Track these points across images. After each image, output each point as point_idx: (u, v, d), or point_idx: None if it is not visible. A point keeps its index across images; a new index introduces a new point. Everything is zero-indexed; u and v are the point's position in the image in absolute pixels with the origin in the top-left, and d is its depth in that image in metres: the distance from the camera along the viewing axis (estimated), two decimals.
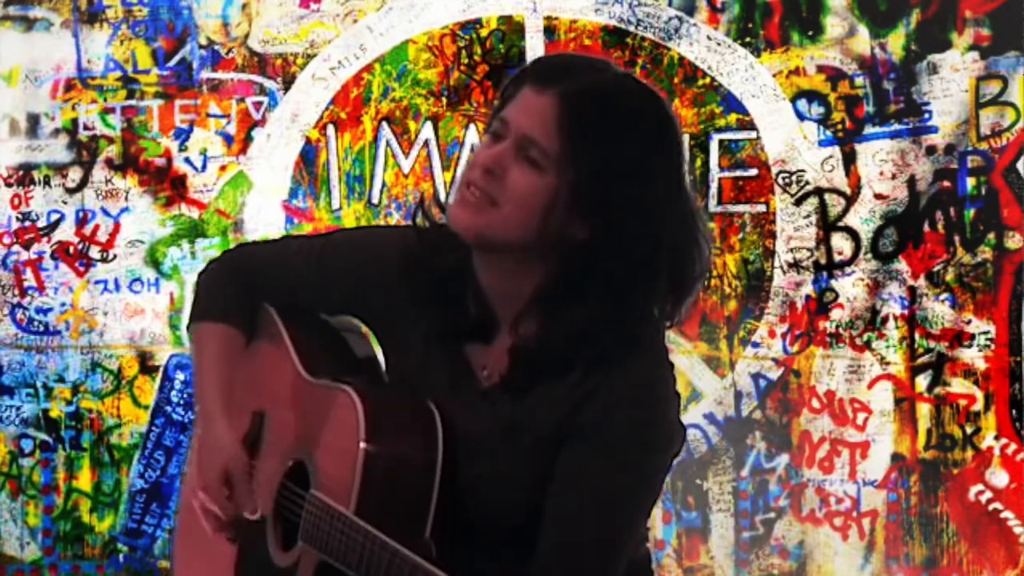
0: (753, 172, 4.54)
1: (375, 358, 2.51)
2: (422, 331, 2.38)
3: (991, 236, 4.44)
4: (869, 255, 4.49)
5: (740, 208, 4.53)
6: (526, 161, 2.25)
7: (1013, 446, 4.43)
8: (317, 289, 2.50)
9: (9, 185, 4.80)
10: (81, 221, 4.77)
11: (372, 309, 2.45)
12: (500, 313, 2.34)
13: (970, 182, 4.45)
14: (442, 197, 4.61)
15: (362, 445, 2.26)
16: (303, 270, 2.51)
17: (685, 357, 4.51)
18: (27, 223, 4.80)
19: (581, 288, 2.26)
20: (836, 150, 4.51)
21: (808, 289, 4.51)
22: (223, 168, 4.74)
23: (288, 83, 4.70)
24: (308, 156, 4.69)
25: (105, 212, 4.77)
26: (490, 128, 2.32)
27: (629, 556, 2.29)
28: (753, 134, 4.53)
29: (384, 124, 4.65)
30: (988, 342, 4.43)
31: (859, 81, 4.49)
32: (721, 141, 4.54)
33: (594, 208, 2.24)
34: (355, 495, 2.25)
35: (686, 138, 4.52)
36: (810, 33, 4.51)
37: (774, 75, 4.52)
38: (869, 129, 4.49)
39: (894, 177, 4.48)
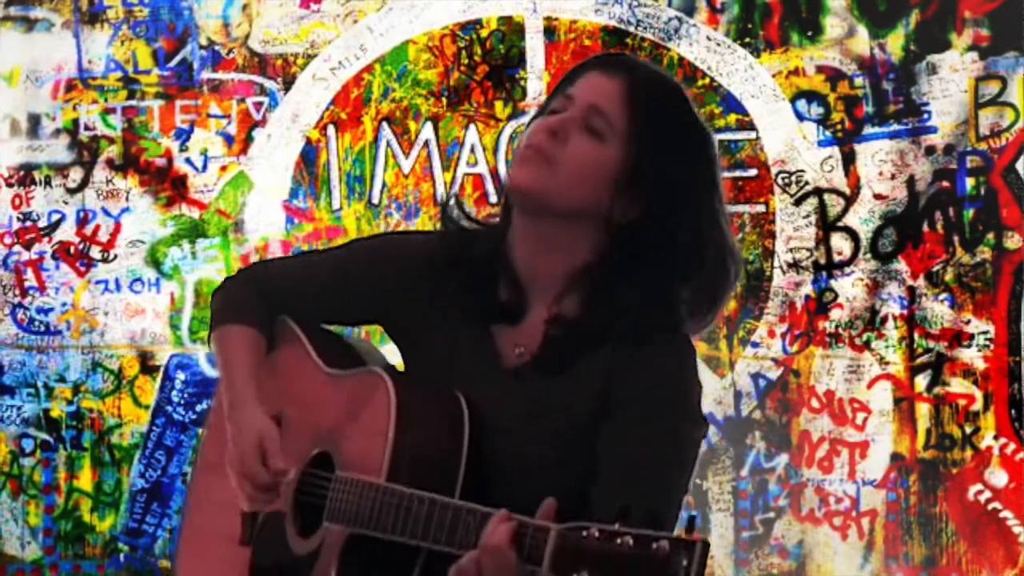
0: (753, 172, 4.54)
1: (386, 361, 2.53)
2: (449, 328, 2.39)
3: (990, 236, 4.44)
4: (868, 255, 4.50)
5: (740, 208, 4.54)
6: (589, 131, 2.30)
7: (1012, 446, 4.43)
8: (341, 296, 2.52)
9: (10, 185, 4.80)
10: (82, 221, 4.78)
11: (396, 313, 2.46)
12: (533, 291, 2.36)
13: (969, 182, 4.45)
14: (441, 198, 4.64)
15: (393, 420, 2.28)
16: (326, 279, 2.53)
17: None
18: (28, 223, 4.80)
19: (628, 268, 2.31)
20: (835, 150, 4.52)
21: (807, 289, 4.52)
22: (224, 168, 4.75)
23: (288, 83, 4.70)
24: (308, 156, 4.70)
25: (106, 212, 4.78)
26: (547, 108, 2.36)
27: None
28: (753, 134, 4.54)
29: (384, 124, 4.66)
30: (987, 342, 4.44)
31: (858, 81, 4.50)
32: (721, 141, 4.54)
33: (648, 188, 2.29)
34: (386, 468, 2.27)
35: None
36: (809, 33, 4.51)
37: (773, 75, 4.52)
38: (868, 129, 4.50)
39: (893, 177, 4.49)
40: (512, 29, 4.62)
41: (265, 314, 2.58)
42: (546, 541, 2.00)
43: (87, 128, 4.78)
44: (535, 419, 2.31)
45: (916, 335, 4.47)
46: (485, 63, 4.64)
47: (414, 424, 2.29)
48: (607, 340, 2.30)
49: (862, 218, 4.50)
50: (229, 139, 4.74)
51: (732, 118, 4.54)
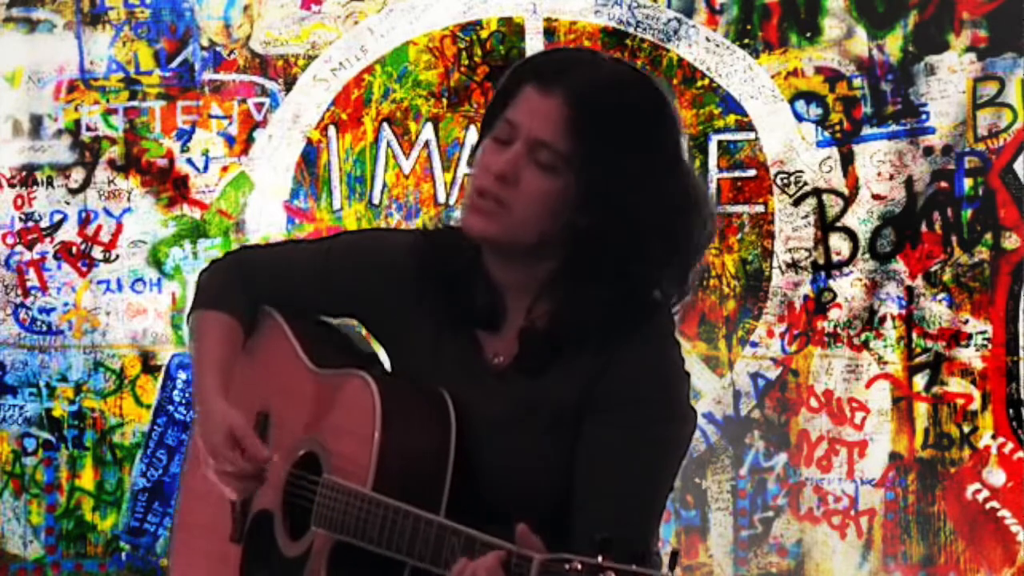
0: (751, 173, 4.55)
1: (377, 355, 2.53)
2: (431, 327, 2.39)
3: (988, 236, 4.45)
4: (867, 255, 4.51)
5: (739, 208, 4.55)
6: (538, 165, 2.26)
7: (1010, 445, 4.44)
8: (322, 289, 2.51)
9: (12, 186, 4.81)
10: (84, 221, 4.79)
11: (378, 309, 2.46)
12: (510, 303, 2.36)
13: (967, 183, 4.46)
14: (441, 199, 4.66)
15: (378, 424, 2.27)
16: (308, 270, 2.52)
17: (684, 356, 4.52)
18: (30, 223, 4.81)
19: (591, 268, 2.29)
20: (834, 151, 4.52)
21: (806, 289, 4.53)
22: (225, 169, 4.76)
23: (289, 84, 4.71)
24: (309, 157, 4.71)
25: (107, 212, 4.79)
26: (491, 129, 2.32)
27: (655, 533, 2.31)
28: (752, 135, 4.55)
29: (385, 125, 4.67)
30: (985, 342, 4.45)
31: (857, 82, 4.50)
32: (720, 142, 4.56)
33: (607, 198, 2.26)
34: (372, 474, 2.26)
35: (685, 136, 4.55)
36: (808, 34, 4.52)
37: (772, 76, 4.53)
38: (867, 130, 4.50)
39: (892, 178, 4.50)
40: (512, 30, 4.63)
41: (245, 301, 2.56)
42: (530, 571, 1.99)
43: (89, 129, 4.79)
44: (519, 418, 2.30)
45: (914, 335, 4.48)
46: (485, 64, 4.64)
47: (400, 428, 2.28)
48: (585, 341, 2.28)
49: (860, 218, 4.51)
50: (230, 140, 4.75)
51: (731, 119, 4.55)
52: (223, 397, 2.47)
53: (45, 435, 4.79)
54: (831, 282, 4.52)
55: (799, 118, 4.53)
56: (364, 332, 2.54)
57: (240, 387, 2.54)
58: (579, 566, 1.94)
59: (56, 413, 4.79)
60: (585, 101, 2.25)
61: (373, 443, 2.27)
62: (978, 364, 4.45)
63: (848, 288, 4.51)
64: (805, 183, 4.53)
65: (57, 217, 4.80)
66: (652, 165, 2.27)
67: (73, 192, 4.80)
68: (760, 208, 4.55)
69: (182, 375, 4.74)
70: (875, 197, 4.50)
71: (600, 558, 1.93)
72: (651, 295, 2.31)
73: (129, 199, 4.78)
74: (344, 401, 2.38)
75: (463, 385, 2.34)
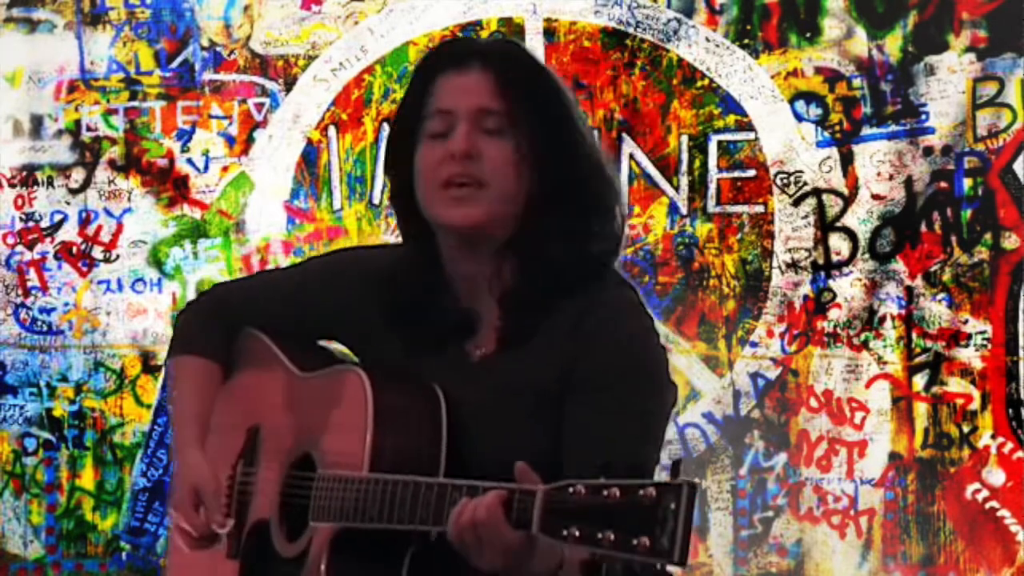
0: (751, 173, 4.56)
1: (358, 363, 2.55)
2: (407, 339, 2.42)
3: (988, 236, 4.45)
4: (867, 255, 4.51)
5: (738, 208, 4.55)
6: (488, 133, 2.33)
7: (1010, 445, 4.44)
8: (299, 313, 2.55)
9: (13, 186, 4.82)
10: (84, 221, 4.80)
11: (354, 328, 2.49)
12: (480, 304, 2.39)
13: (967, 183, 4.46)
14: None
15: (370, 411, 2.30)
16: (285, 295, 2.57)
17: (683, 356, 4.54)
18: (30, 223, 4.82)
19: (544, 228, 2.34)
20: (834, 151, 4.53)
21: (806, 289, 4.53)
22: (225, 169, 4.76)
23: (290, 84, 4.72)
24: (309, 157, 4.71)
25: (108, 212, 4.79)
26: (422, 130, 2.36)
27: None
28: (751, 135, 4.55)
29: (385, 125, 4.68)
30: (985, 342, 4.45)
31: (857, 82, 4.51)
32: (720, 142, 4.56)
33: (546, 155, 2.33)
34: (367, 457, 2.28)
35: (684, 139, 4.55)
36: (808, 35, 4.53)
37: (772, 76, 4.54)
38: (866, 130, 4.51)
39: (891, 178, 4.50)
40: (512, 31, 4.63)
41: (220, 340, 2.61)
42: (534, 503, 2.01)
43: (89, 129, 4.79)
44: (504, 404, 2.33)
45: (914, 335, 4.49)
46: None
47: (392, 416, 2.31)
48: (553, 297, 2.33)
49: (860, 218, 4.51)
50: (230, 140, 4.75)
51: (731, 119, 4.56)
52: (199, 448, 2.52)
53: (45, 435, 4.80)
54: (831, 282, 4.52)
55: (799, 118, 4.53)
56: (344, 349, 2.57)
57: (228, 410, 2.57)
58: (583, 489, 1.95)
59: (56, 413, 4.79)
60: (503, 65, 2.35)
61: (367, 432, 2.29)
62: (978, 364, 4.45)
63: (848, 288, 4.51)
64: (805, 183, 4.53)
65: (57, 217, 4.80)
66: (574, 119, 2.37)
67: (73, 192, 4.81)
68: (760, 208, 4.55)
69: None
70: (875, 197, 4.51)
71: (601, 479, 1.95)
72: (594, 252, 2.37)
73: (129, 199, 4.79)
74: (335, 397, 2.40)
75: (447, 380, 2.36)
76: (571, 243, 2.34)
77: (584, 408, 2.29)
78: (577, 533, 1.94)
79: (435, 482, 2.19)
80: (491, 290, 2.38)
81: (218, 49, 4.74)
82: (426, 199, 2.36)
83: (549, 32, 4.61)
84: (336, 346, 2.59)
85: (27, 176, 4.81)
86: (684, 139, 4.56)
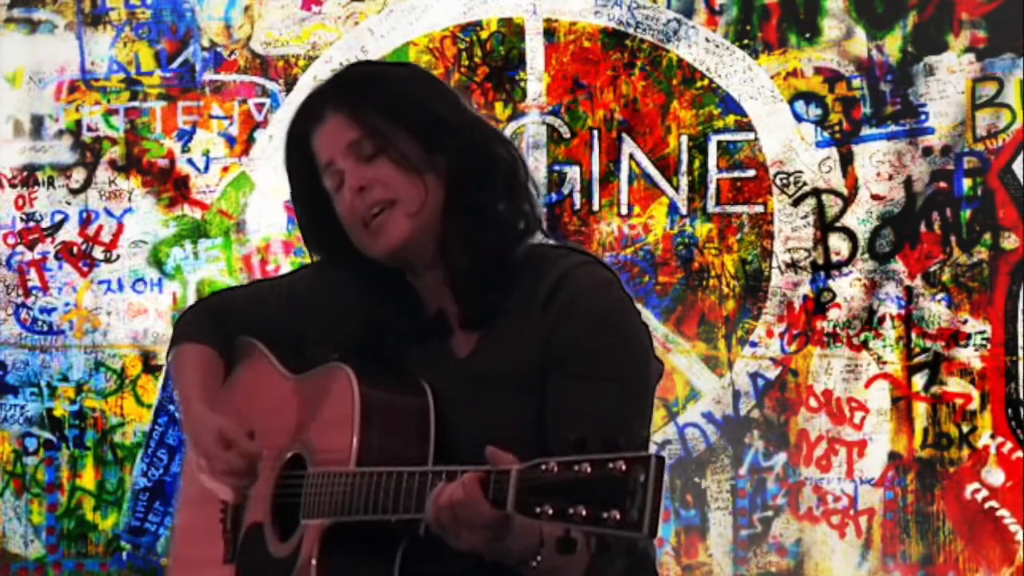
0: (751, 173, 4.56)
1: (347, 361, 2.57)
2: (390, 342, 2.46)
3: (987, 236, 4.46)
4: (866, 255, 4.51)
5: (738, 209, 4.56)
6: (367, 161, 2.40)
7: (1009, 445, 4.45)
8: (288, 321, 2.60)
9: (13, 186, 4.82)
10: (85, 222, 4.80)
11: (343, 333, 2.52)
12: (447, 303, 2.43)
13: (966, 183, 4.47)
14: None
15: (357, 402, 2.32)
16: (278, 302, 2.62)
17: (683, 356, 4.54)
18: (31, 223, 4.82)
19: (463, 207, 2.39)
20: (833, 151, 4.53)
21: (806, 289, 4.54)
22: (225, 169, 4.76)
23: (290, 85, 4.72)
24: None
25: (108, 213, 4.79)
26: (325, 188, 2.48)
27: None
28: (751, 135, 4.56)
29: None
30: (984, 342, 4.45)
31: (856, 83, 4.51)
32: (719, 142, 4.57)
33: (428, 152, 2.39)
34: (355, 454, 2.30)
35: (684, 139, 4.56)
36: (807, 35, 4.53)
37: (772, 77, 4.54)
38: (866, 130, 4.51)
39: (891, 178, 4.50)
40: (512, 31, 4.64)
41: (219, 335, 2.66)
42: (508, 483, 2.02)
43: (90, 129, 4.80)
44: (487, 391, 2.35)
45: (913, 335, 4.49)
46: (485, 64, 4.65)
47: (379, 410, 2.33)
48: (499, 277, 2.37)
49: (860, 218, 4.52)
50: (231, 140, 4.76)
51: (731, 119, 4.56)
52: (208, 406, 2.53)
53: (46, 435, 4.80)
54: (830, 282, 4.53)
55: (798, 118, 4.54)
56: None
57: (225, 414, 2.57)
58: (556, 467, 1.97)
59: (57, 413, 4.79)
60: (348, 95, 2.48)
61: (354, 426, 2.31)
62: (977, 364, 4.46)
63: (847, 288, 4.52)
64: (804, 183, 4.54)
65: (58, 217, 4.81)
66: (433, 107, 2.42)
67: (74, 192, 4.81)
68: (760, 208, 4.55)
69: None
70: (874, 197, 4.51)
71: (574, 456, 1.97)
72: (519, 226, 2.41)
73: (130, 199, 4.79)
74: (324, 394, 2.42)
75: (433, 376, 2.39)
76: (490, 221, 2.38)
77: (560, 383, 2.32)
78: (550, 510, 1.96)
79: (416, 470, 2.20)
80: (448, 288, 2.41)
81: (219, 49, 4.75)
82: (361, 243, 2.42)
83: (549, 32, 4.62)
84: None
85: (28, 176, 4.81)
86: (684, 139, 4.57)
